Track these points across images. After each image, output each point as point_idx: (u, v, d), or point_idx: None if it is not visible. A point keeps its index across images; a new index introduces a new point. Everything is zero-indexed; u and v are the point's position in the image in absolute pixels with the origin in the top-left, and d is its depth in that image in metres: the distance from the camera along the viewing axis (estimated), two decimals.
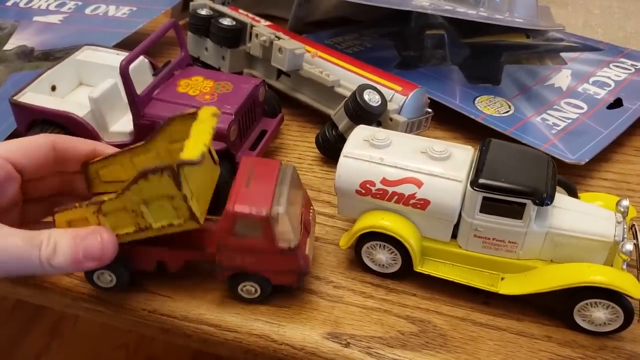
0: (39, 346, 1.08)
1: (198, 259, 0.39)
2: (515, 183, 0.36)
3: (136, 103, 0.45)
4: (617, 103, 0.56)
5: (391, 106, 0.48)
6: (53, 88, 0.51)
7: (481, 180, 0.36)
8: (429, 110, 0.51)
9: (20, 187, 0.37)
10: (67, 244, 0.33)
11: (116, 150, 0.40)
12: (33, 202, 0.39)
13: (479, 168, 0.37)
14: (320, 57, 0.54)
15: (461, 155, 0.39)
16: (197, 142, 0.34)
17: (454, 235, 0.39)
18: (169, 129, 0.39)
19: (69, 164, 0.39)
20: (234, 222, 0.35)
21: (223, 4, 0.66)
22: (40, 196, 0.39)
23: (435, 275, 0.39)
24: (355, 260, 0.41)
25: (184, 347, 1.07)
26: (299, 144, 0.53)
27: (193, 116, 0.37)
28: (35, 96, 0.48)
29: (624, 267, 0.36)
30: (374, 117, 0.47)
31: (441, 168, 0.38)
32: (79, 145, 0.39)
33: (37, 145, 0.38)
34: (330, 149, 0.50)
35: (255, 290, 0.38)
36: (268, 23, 0.57)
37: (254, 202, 0.35)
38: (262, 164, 0.38)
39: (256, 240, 0.36)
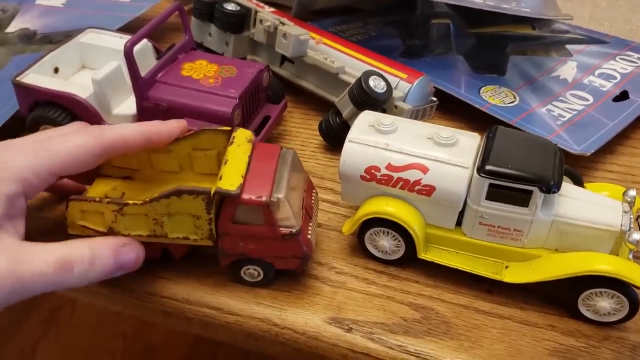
0: (36, 334, 1.08)
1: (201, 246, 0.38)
2: (522, 170, 0.35)
3: (140, 85, 0.44)
4: (623, 95, 0.55)
5: (396, 93, 0.48)
6: (56, 70, 0.51)
7: (488, 167, 0.36)
8: (434, 98, 0.51)
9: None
10: (106, 260, 0.34)
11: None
12: None
13: (486, 155, 0.36)
14: (324, 44, 0.54)
15: (468, 142, 0.38)
16: (235, 172, 0.35)
17: (459, 223, 0.39)
18: (196, 137, 0.39)
19: (120, 158, 0.39)
20: (234, 209, 0.35)
21: None
22: None
23: (439, 263, 0.38)
24: (358, 247, 0.41)
25: (182, 335, 1.07)
26: (302, 131, 0.53)
27: (225, 133, 0.38)
28: (37, 77, 0.47)
29: (630, 257, 0.36)
30: (379, 103, 0.47)
31: (447, 154, 0.37)
32: (129, 140, 0.37)
33: (86, 153, 0.36)
34: (333, 136, 0.50)
35: (258, 274, 0.38)
36: (272, 9, 0.57)
37: (254, 188, 0.35)
38: (262, 149, 0.38)
39: (257, 227, 0.36)
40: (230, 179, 0.35)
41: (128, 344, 1.06)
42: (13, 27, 0.61)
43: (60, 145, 0.35)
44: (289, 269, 0.38)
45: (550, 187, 0.35)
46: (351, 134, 0.39)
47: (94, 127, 0.38)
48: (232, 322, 0.37)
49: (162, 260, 0.39)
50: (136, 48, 0.44)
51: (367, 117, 0.41)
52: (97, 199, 0.36)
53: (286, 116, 0.54)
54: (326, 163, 0.49)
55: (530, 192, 0.35)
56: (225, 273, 0.39)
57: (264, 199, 0.35)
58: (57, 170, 0.35)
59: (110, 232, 0.36)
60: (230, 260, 0.37)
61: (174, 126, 0.39)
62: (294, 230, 0.36)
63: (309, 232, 0.37)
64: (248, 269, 0.38)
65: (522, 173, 0.35)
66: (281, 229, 0.36)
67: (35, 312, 1.12)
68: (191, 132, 0.39)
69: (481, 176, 0.36)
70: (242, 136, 0.38)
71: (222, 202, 0.36)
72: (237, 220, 0.36)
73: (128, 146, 0.37)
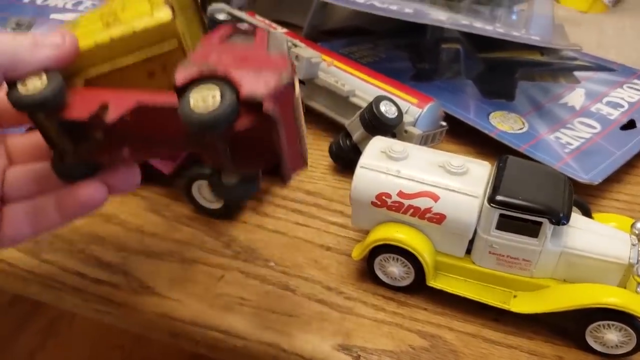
0: (34, 344, 1.07)
1: (150, 102, 0.28)
2: (532, 201, 0.36)
3: None
4: (630, 124, 0.56)
5: (407, 118, 0.48)
6: None
7: (498, 197, 0.36)
8: (444, 123, 0.51)
9: None
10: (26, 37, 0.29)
11: None
12: None
13: (496, 184, 0.37)
14: (335, 66, 0.54)
15: (478, 171, 0.39)
16: None
17: (468, 251, 0.39)
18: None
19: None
20: (229, 34, 0.31)
21: (240, 9, 0.66)
22: None
23: (448, 291, 0.39)
24: (367, 272, 0.41)
25: (180, 350, 1.07)
26: (312, 152, 0.53)
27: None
28: None
29: (638, 289, 0.36)
30: (390, 128, 0.47)
31: (458, 183, 0.38)
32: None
33: None
34: (343, 158, 0.50)
35: (213, 98, 0.26)
36: (285, 30, 0.58)
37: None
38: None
39: (246, 45, 0.30)
40: None
41: (126, 357, 1.06)
42: None
43: None
44: (257, 98, 0.26)
45: (560, 219, 0.35)
46: (363, 160, 0.39)
47: None
48: (239, 346, 0.37)
49: (147, 179, 0.34)
50: None
51: (378, 143, 0.41)
52: None
53: None
54: (335, 185, 0.50)
55: (540, 223, 0.36)
56: (233, 296, 0.39)
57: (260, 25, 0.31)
58: None
59: None
60: (189, 77, 0.27)
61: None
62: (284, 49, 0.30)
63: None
64: (200, 91, 0.27)
65: (533, 204, 0.35)
66: (271, 49, 0.30)
67: (33, 322, 1.12)
68: None
69: (492, 206, 0.36)
70: None
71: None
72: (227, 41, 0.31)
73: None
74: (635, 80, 0.63)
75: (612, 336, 0.36)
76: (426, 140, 0.49)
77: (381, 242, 0.39)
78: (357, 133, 0.48)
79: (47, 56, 0.29)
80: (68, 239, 0.43)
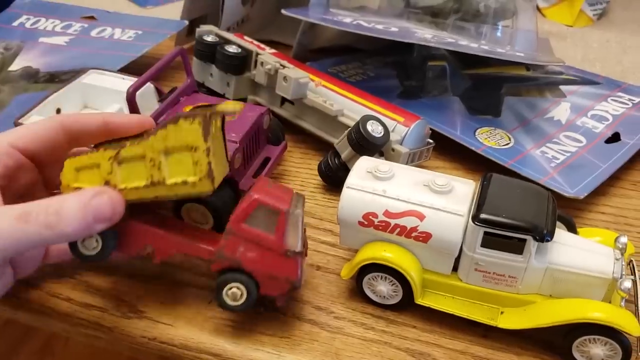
0: None
1: (190, 253, 0.38)
2: (516, 219, 0.36)
3: None
4: (615, 137, 0.56)
5: (393, 137, 0.49)
6: (58, 111, 0.52)
7: (482, 215, 0.36)
8: (430, 140, 0.52)
9: (41, 173, 0.38)
10: (74, 207, 0.33)
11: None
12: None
13: (481, 203, 0.37)
14: (323, 86, 0.55)
15: (463, 189, 0.39)
16: (233, 104, 0.36)
17: (455, 269, 0.39)
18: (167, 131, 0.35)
19: (81, 142, 0.39)
20: (253, 209, 0.36)
21: (228, 30, 0.67)
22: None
23: (436, 308, 0.39)
24: (356, 290, 0.41)
25: None
26: (301, 170, 0.54)
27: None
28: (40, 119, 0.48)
29: (622, 303, 0.37)
30: (377, 147, 0.48)
31: (443, 201, 0.38)
32: (88, 120, 0.38)
33: (44, 128, 0.38)
34: (332, 177, 0.51)
35: (241, 295, 0.37)
36: (273, 51, 0.58)
37: (276, 198, 0.36)
38: (279, 186, 0.39)
39: (266, 235, 0.36)
40: (227, 106, 0.36)
41: None
42: (16, 65, 0.62)
43: (19, 127, 0.38)
44: (271, 297, 0.38)
45: (544, 236, 0.36)
46: (349, 180, 0.40)
47: None
48: None
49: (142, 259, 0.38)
50: (139, 91, 0.45)
51: (365, 163, 0.41)
52: (94, 146, 0.36)
53: (286, 155, 0.55)
54: (325, 204, 0.50)
55: (524, 240, 0.36)
56: (223, 318, 0.39)
57: (284, 207, 0.36)
58: (16, 140, 0.37)
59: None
60: (222, 266, 0.37)
61: (135, 117, 0.39)
62: (297, 250, 0.36)
63: (303, 267, 0.38)
64: (231, 287, 0.37)
65: (516, 222, 0.36)
66: (287, 244, 0.36)
67: (29, 343, 1.11)
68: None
69: (476, 224, 0.36)
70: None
71: (240, 202, 0.37)
72: (249, 222, 0.36)
73: (85, 125, 0.38)
74: (620, 93, 0.64)
75: (598, 350, 0.36)
76: (413, 158, 0.50)
77: (369, 261, 0.39)
78: (345, 152, 0.49)
79: (100, 229, 0.34)
80: (57, 264, 0.43)
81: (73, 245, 0.37)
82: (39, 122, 0.38)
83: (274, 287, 0.37)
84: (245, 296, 0.37)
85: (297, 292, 0.41)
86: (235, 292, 0.37)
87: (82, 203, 0.33)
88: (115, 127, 0.38)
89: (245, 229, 0.36)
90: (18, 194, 0.37)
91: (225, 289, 0.37)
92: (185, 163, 0.35)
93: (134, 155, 0.35)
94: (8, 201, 0.35)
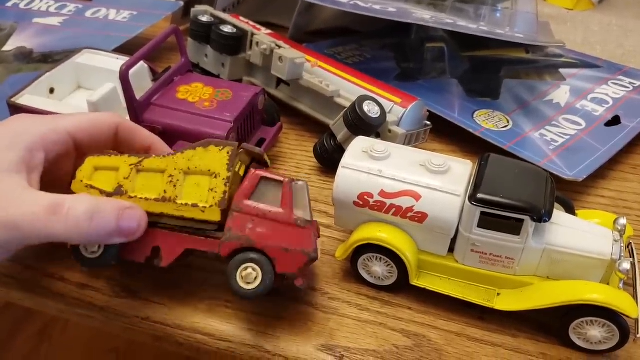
0: (27, 349, 1.07)
1: (197, 248, 0.36)
2: (513, 199, 0.36)
3: (135, 108, 0.45)
4: (614, 120, 0.56)
5: (390, 118, 0.48)
6: (51, 91, 0.51)
7: (479, 195, 0.36)
8: (428, 122, 0.51)
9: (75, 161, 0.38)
10: (110, 215, 0.33)
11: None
12: None
13: (478, 183, 0.37)
14: (320, 67, 0.54)
15: (460, 170, 0.39)
16: (266, 157, 0.38)
17: (451, 250, 0.39)
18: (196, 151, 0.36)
19: (125, 148, 0.39)
20: (255, 183, 0.36)
21: (224, 11, 0.66)
22: None
23: (431, 289, 0.39)
24: (351, 272, 0.41)
25: (175, 353, 1.07)
26: (296, 153, 0.53)
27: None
28: (33, 98, 0.47)
29: (621, 285, 0.36)
30: (373, 128, 0.47)
31: (439, 182, 0.38)
32: (141, 135, 0.39)
33: (102, 124, 0.38)
34: (328, 159, 0.50)
35: (256, 278, 0.35)
36: (269, 31, 0.57)
37: (277, 174, 0.36)
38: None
39: (273, 207, 0.36)
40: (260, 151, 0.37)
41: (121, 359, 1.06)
42: (10, 46, 0.62)
43: (78, 114, 0.38)
44: (290, 275, 0.35)
45: (542, 216, 0.35)
46: (344, 160, 0.39)
47: None
48: (223, 349, 0.37)
49: (146, 264, 0.37)
50: (132, 70, 0.44)
51: (360, 143, 0.41)
52: (114, 153, 0.37)
53: (281, 138, 0.54)
54: (321, 186, 0.50)
55: (522, 220, 0.36)
56: (217, 298, 0.39)
57: (286, 179, 0.36)
58: (74, 129, 0.36)
59: (117, 191, 0.36)
60: (233, 248, 0.35)
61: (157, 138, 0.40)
62: (307, 218, 0.36)
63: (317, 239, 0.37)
64: (247, 268, 0.35)
65: (514, 202, 0.35)
66: (296, 213, 0.36)
67: (27, 327, 1.11)
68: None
69: (473, 204, 0.36)
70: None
71: (243, 179, 0.36)
72: (255, 197, 0.36)
73: (136, 137, 0.39)
74: (620, 77, 0.63)
75: (595, 332, 0.36)
76: (410, 140, 0.49)
77: (364, 242, 0.39)
78: (341, 133, 0.48)
79: (117, 242, 0.34)
80: (51, 245, 0.42)
81: (75, 247, 0.37)
82: (98, 115, 0.38)
83: (290, 263, 0.35)
84: (260, 277, 0.35)
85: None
86: (250, 274, 0.35)
87: (116, 215, 0.33)
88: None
89: (251, 205, 0.36)
90: (55, 180, 0.37)
91: (239, 270, 0.35)
92: (201, 187, 0.35)
93: (156, 167, 0.35)
94: (44, 187, 0.34)
